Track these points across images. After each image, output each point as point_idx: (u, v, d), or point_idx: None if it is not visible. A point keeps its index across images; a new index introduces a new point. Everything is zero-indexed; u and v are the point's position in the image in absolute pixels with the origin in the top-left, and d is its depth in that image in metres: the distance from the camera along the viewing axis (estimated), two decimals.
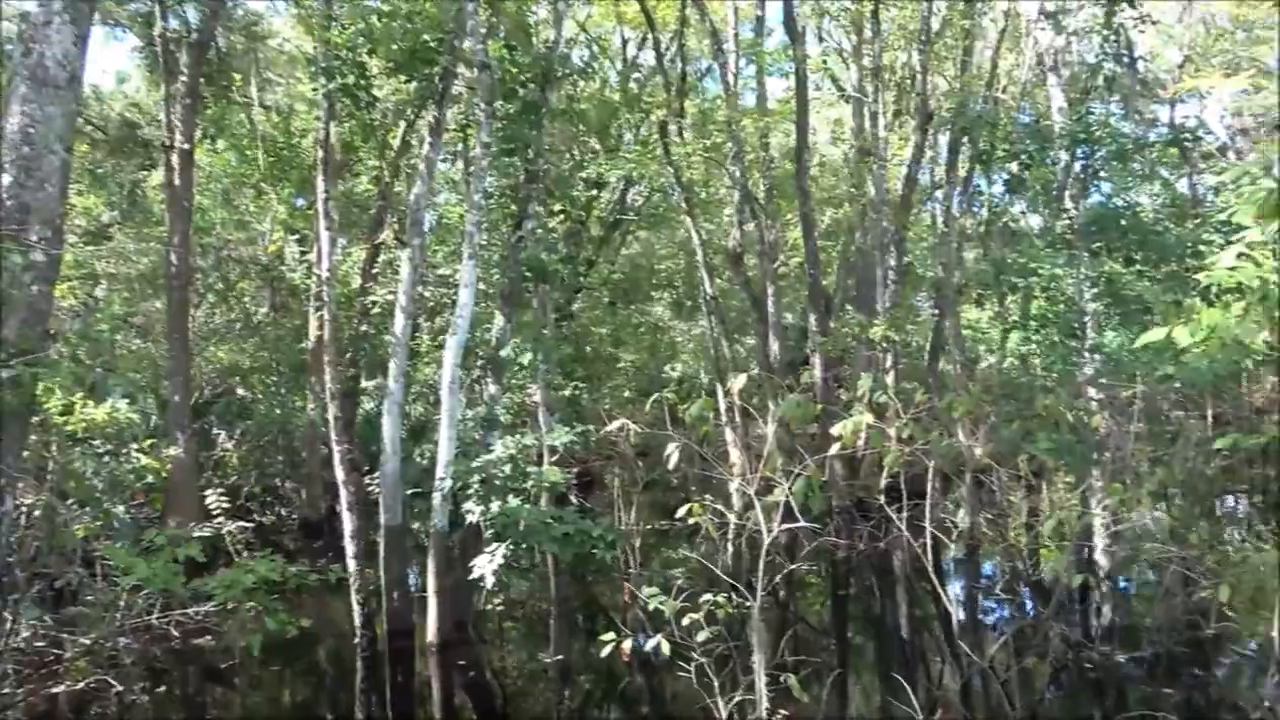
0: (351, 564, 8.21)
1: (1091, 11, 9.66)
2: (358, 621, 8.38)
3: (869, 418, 6.04)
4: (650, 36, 15.73)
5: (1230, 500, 13.20)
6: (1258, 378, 9.46)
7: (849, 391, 11.78)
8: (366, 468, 10.86)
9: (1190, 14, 23.00)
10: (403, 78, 9.66)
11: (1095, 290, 9.07)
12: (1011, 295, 11.06)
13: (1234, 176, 4.84)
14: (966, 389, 9.36)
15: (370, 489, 9.65)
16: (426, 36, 8.76)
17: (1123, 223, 8.91)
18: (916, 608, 10.33)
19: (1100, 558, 10.16)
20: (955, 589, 10.80)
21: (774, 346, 14.80)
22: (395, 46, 8.70)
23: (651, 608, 5.49)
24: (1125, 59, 10.11)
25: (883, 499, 7.47)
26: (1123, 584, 9.95)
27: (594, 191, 15.66)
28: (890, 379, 12.57)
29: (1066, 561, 8.76)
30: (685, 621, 5.27)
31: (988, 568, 11.18)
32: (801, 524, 5.62)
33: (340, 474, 8.59)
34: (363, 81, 8.95)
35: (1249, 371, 5.03)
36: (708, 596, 5.31)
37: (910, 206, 14.87)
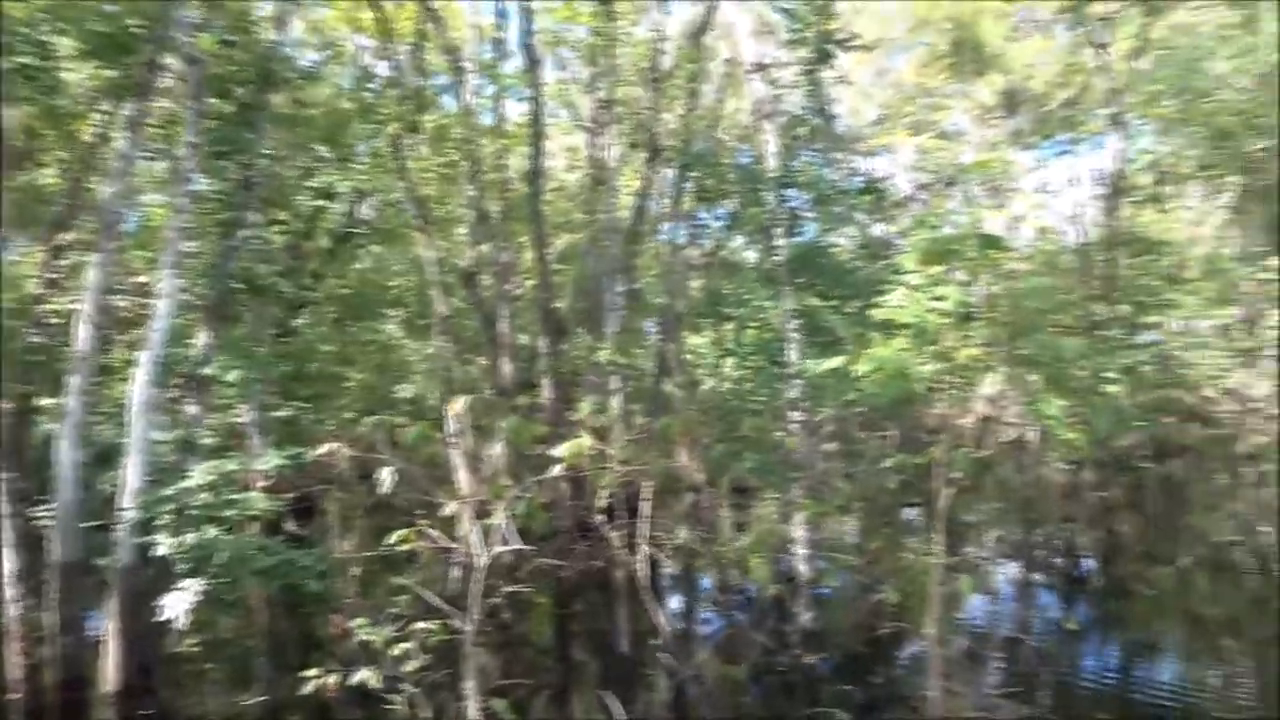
0: (10, 609, 7.20)
1: (796, 68, 10.60)
2: (19, 674, 7.36)
3: (589, 440, 6.19)
4: (387, 47, 15.31)
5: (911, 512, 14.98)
6: (931, 401, 10.72)
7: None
8: (41, 498, 9.60)
9: (885, 78, 25.93)
10: (98, 63, 8.71)
11: (798, 322, 9.90)
12: (727, 324, 11.82)
13: (910, 226, 5.49)
14: (684, 412, 9.89)
15: (42, 522, 8.53)
16: (129, 21, 7.97)
17: (820, 261, 9.83)
18: (638, 622, 10.74)
19: (801, 567, 11.11)
20: (675, 602, 11.33)
21: (506, 368, 14.81)
22: (89, 29, 7.84)
23: (363, 639, 5.28)
24: (825, 113, 11.16)
25: (603, 518, 7.70)
26: (822, 590, 10.95)
27: (322, 202, 14.94)
28: (618, 401, 12.97)
29: (770, 572, 9.48)
30: (396, 651, 5.13)
31: (707, 581, 11.84)
32: (518, 546, 5.64)
33: (4, 507, 7.55)
34: (46, 63, 7.98)
35: (922, 396, 5.71)
36: (421, 624, 5.19)
37: (639, 236, 15.48)
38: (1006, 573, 13.26)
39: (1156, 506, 15.70)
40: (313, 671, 4.89)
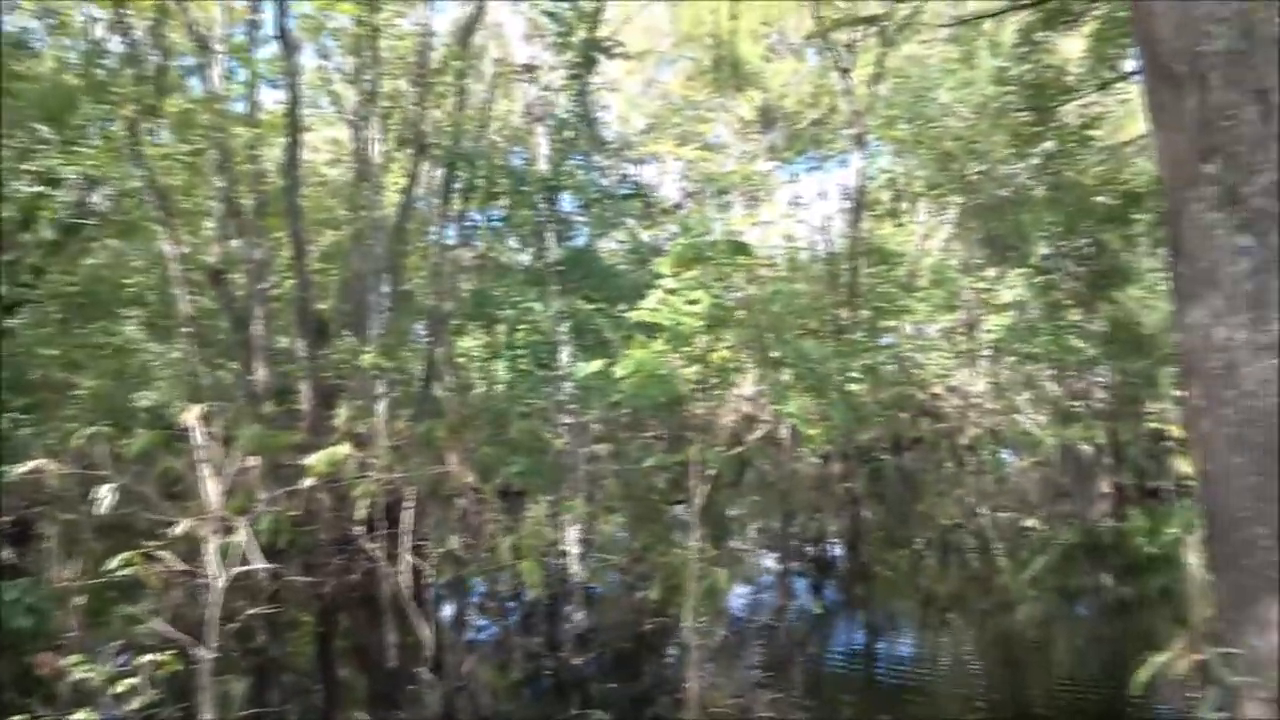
0: None
1: (561, 72, 10.68)
2: None
3: (347, 448, 5.90)
4: (122, 20, 13.90)
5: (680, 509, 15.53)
6: (696, 401, 11.15)
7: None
8: None
9: (653, 88, 26.75)
10: None
11: (567, 324, 9.97)
12: (497, 326, 11.70)
13: (673, 233, 5.68)
14: (450, 416, 9.68)
15: None
16: None
17: (589, 264, 9.95)
18: (405, 636, 10.40)
19: (573, 568, 11.19)
20: (446, 612, 11.07)
21: (261, 372, 13.88)
22: None
23: (79, 677, 4.73)
24: (591, 119, 11.31)
25: (363, 529, 7.38)
26: (594, 591, 11.08)
27: (45, 189, 13.36)
28: (382, 407, 12.49)
29: (541, 575, 9.48)
30: (119, 688, 4.62)
31: (480, 588, 11.66)
32: (260, 564, 5.27)
33: None
34: None
35: (686, 396, 5.91)
36: (149, 656, 4.71)
37: (406, 235, 15.02)
38: (765, 563, 14.04)
39: (894, 495, 17.19)
40: (18, 718, 4.31)
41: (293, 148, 13.94)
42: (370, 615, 11.22)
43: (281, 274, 15.73)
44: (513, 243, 13.60)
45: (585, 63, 10.30)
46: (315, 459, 5.48)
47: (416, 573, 7.76)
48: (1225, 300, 3.02)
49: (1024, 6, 13.37)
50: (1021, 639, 10.05)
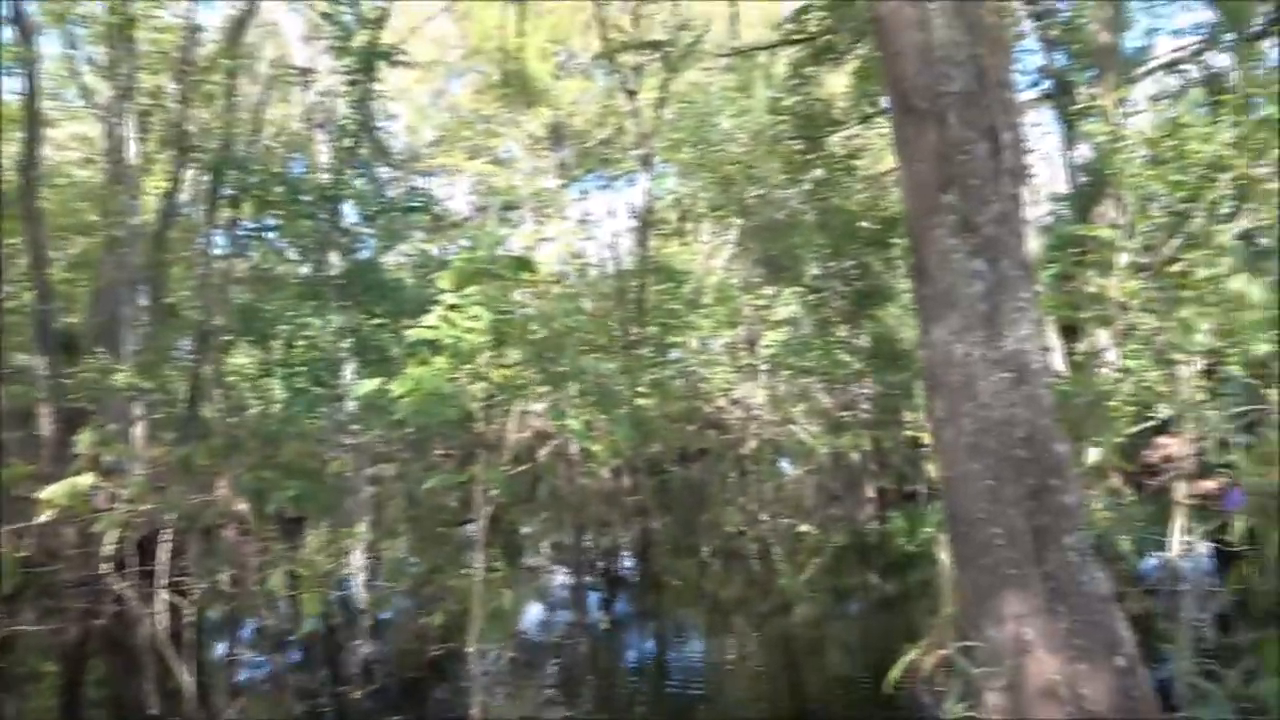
0: None
1: (343, 77, 10.26)
2: None
3: (90, 478, 5.32)
4: None
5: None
6: (487, 419, 10.95)
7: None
8: None
9: (442, 100, 26.28)
10: None
11: (350, 341, 9.52)
12: (272, 342, 11.00)
13: (461, 247, 5.54)
14: (214, 439, 8.98)
15: None
16: None
17: (371, 279, 9.57)
18: (169, 680, 9.52)
19: (359, 596, 10.67)
20: (219, 651, 10.24)
21: None
22: None
23: None
24: (372, 127, 10.92)
25: (112, 567, 6.67)
26: (382, 619, 10.61)
27: None
28: (141, 430, 11.41)
29: (321, 606, 8.97)
30: None
31: (259, 622, 10.87)
32: None
33: None
34: None
35: (473, 415, 5.75)
36: None
37: (167, 243, 13.87)
38: (558, 579, 14.01)
39: (681, 505, 17.68)
40: None
41: (31, 144, 12.55)
42: (125, 661, 10.18)
43: (18, 283, 14.08)
44: (291, 254, 12.87)
45: (366, 69, 9.93)
46: (53, 490, 4.90)
47: (175, 611, 7.12)
48: (963, 319, 3.30)
49: (794, 42, 14.25)
50: (799, 639, 10.57)
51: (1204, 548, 10.77)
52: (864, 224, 15.26)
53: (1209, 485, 9.99)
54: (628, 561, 15.82)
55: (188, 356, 14.30)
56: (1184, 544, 8.46)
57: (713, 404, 18.90)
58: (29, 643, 9.24)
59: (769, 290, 17.87)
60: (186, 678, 7.54)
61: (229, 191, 12.81)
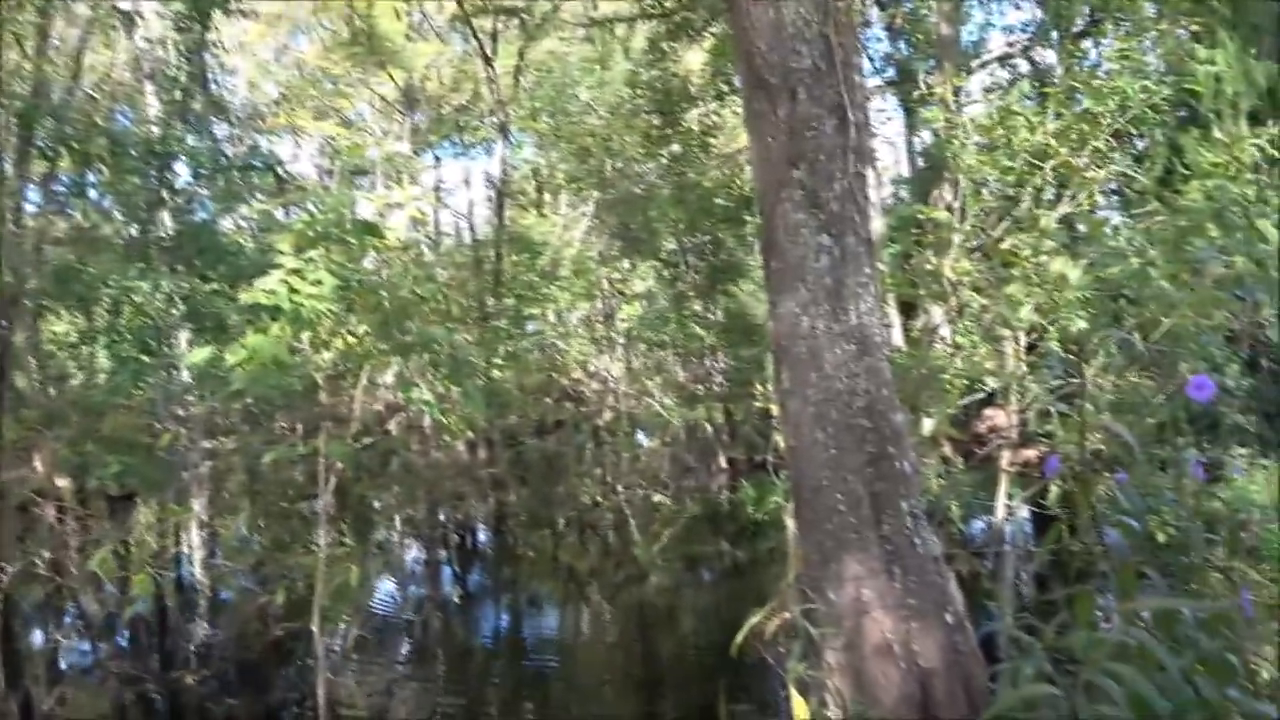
0: None
1: (172, 24, 9.56)
2: None
3: None
4: None
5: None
6: (335, 390, 10.53)
7: None
8: None
9: (287, 56, 24.92)
10: None
11: (182, 307, 8.93)
12: (95, 307, 10.20)
13: (307, 211, 5.28)
14: (24, 411, 8.26)
15: None
16: None
17: (206, 241, 8.99)
18: None
19: (196, 576, 10.13)
20: (35, 637, 9.49)
21: None
22: None
23: None
24: (205, 79, 10.24)
25: None
26: (222, 599, 10.09)
27: None
28: None
29: (152, 586, 8.45)
30: None
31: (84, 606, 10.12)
32: None
33: None
34: None
35: (318, 385, 5.48)
36: None
37: None
38: (411, 554, 13.73)
39: (538, 477, 17.63)
40: None
41: None
42: None
43: None
44: (116, 214, 11.94)
45: (199, 16, 9.27)
46: None
47: None
48: (810, 293, 3.39)
49: (651, 16, 14.26)
50: (653, 608, 10.78)
51: (1025, 512, 11.63)
52: (719, 200, 15.51)
53: (1030, 454, 10.77)
54: (483, 535, 15.68)
55: None
56: (1007, 509, 9.09)
57: (569, 376, 18.89)
58: None
59: (626, 264, 17.95)
60: None
61: (43, 144, 11.73)
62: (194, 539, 10.19)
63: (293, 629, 7.77)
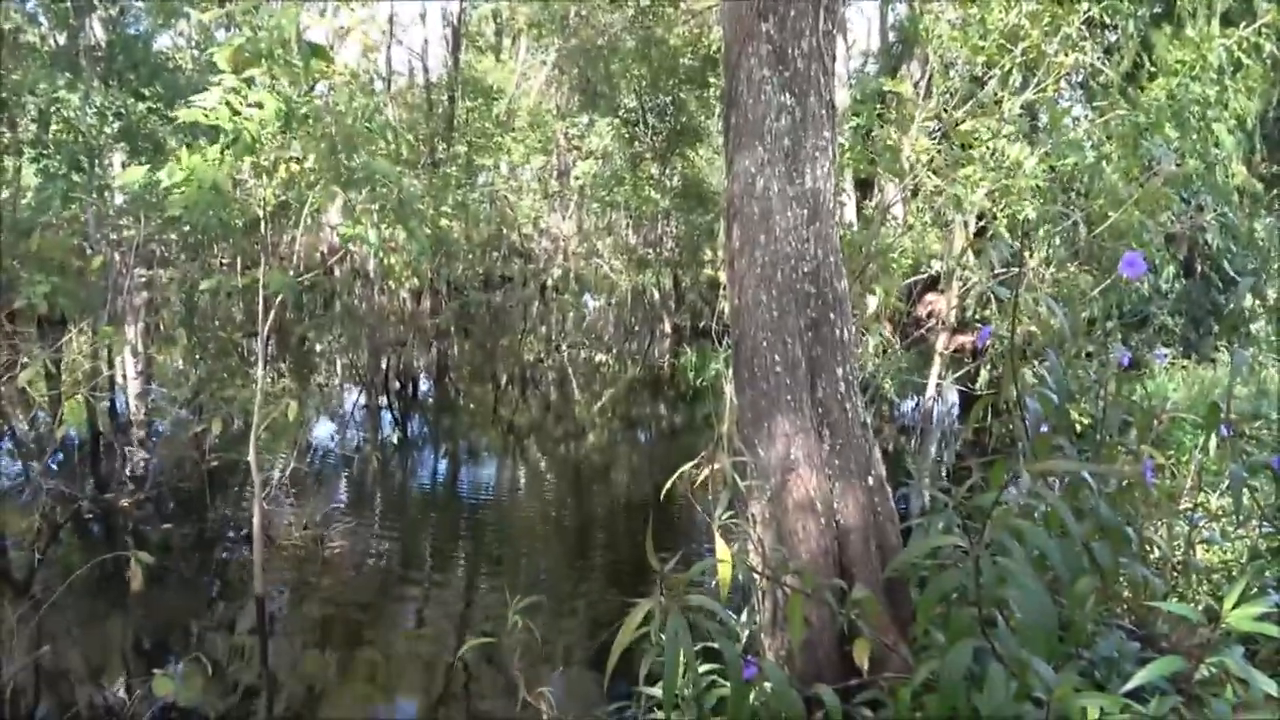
0: None
1: None
2: None
3: None
4: None
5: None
6: (284, 227, 10.23)
7: None
8: None
9: None
10: None
11: (116, 125, 8.48)
12: (19, 118, 9.63)
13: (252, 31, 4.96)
14: None
15: None
16: None
17: (139, 55, 8.46)
18: None
19: (130, 404, 10.04)
20: None
21: None
22: None
23: None
24: None
25: None
26: (157, 429, 10.06)
27: None
28: None
29: (85, 413, 8.37)
30: None
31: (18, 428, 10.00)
32: None
33: None
34: None
35: (257, 217, 5.28)
36: None
37: None
38: (351, 398, 13.75)
39: (482, 331, 17.63)
40: None
41: None
42: None
43: None
44: (43, 20, 11.14)
45: None
46: None
47: None
48: (767, 152, 3.34)
49: None
50: (589, 463, 11.04)
51: (954, 396, 12.03)
52: (684, 60, 15.05)
53: (965, 339, 11.06)
54: (424, 385, 15.74)
55: None
56: (937, 390, 9.39)
57: (519, 232, 18.63)
58: None
59: (584, 119, 17.47)
60: None
61: None
62: (129, 367, 10.04)
63: (229, 460, 7.83)
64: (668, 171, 16.01)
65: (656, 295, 16.77)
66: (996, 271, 6.66)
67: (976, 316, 8.69)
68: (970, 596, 1.96)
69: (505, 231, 18.30)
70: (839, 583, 3.01)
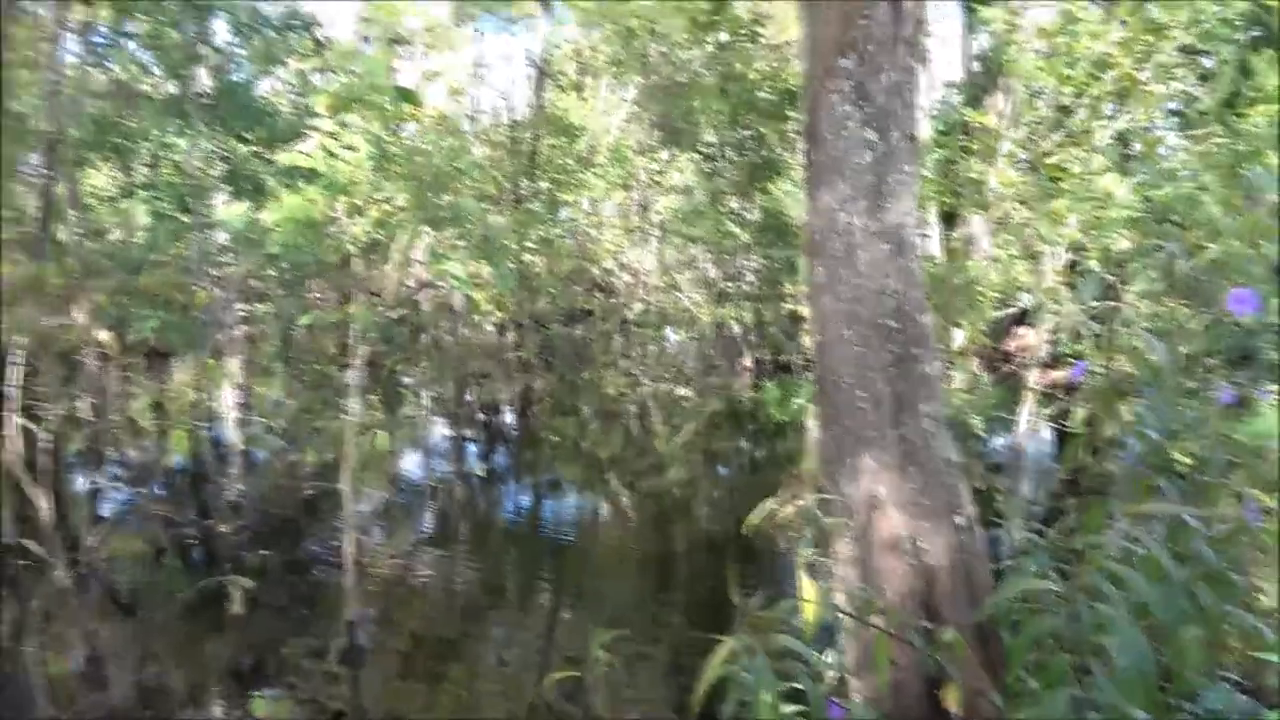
0: None
1: None
2: None
3: None
4: None
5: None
6: (375, 263, 10.59)
7: None
8: None
9: None
10: None
11: (222, 167, 8.95)
12: (133, 163, 10.23)
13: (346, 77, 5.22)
14: (63, 260, 8.40)
15: None
16: None
17: (243, 100, 8.92)
18: (27, 508, 9.21)
19: (230, 434, 10.46)
20: (79, 482, 9.91)
21: None
22: None
23: None
24: None
25: None
26: (255, 457, 10.45)
27: None
28: None
29: (191, 441, 8.77)
30: None
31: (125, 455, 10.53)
32: None
33: None
34: None
35: (351, 254, 5.51)
36: None
37: (8, 40, 12.51)
38: (438, 430, 14.05)
39: (565, 364, 17.82)
40: None
41: None
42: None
43: None
44: (155, 70, 11.84)
45: None
46: None
47: (29, 437, 6.80)
48: (850, 188, 3.34)
49: None
50: (671, 496, 11.02)
51: (1047, 433, 11.67)
52: (763, 94, 15.10)
53: (1058, 375, 10.73)
54: (508, 417, 15.97)
55: (37, 171, 13.16)
56: (1029, 426, 9.12)
57: (600, 266, 18.84)
58: None
59: (664, 155, 17.64)
60: (44, 505, 7.30)
61: None
62: (228, 398, 10.47)
63: (322, 489, 8.08)
64: (747, 205, 16.02)
65: (737, 329, 16.73)
66: (1089, 304, 6.48)
67: (1068, 351, 8.44)
68: (1066, 643, 1.90)
69: (586, 266, 18.54)
70: (927, 624, 2.95)
